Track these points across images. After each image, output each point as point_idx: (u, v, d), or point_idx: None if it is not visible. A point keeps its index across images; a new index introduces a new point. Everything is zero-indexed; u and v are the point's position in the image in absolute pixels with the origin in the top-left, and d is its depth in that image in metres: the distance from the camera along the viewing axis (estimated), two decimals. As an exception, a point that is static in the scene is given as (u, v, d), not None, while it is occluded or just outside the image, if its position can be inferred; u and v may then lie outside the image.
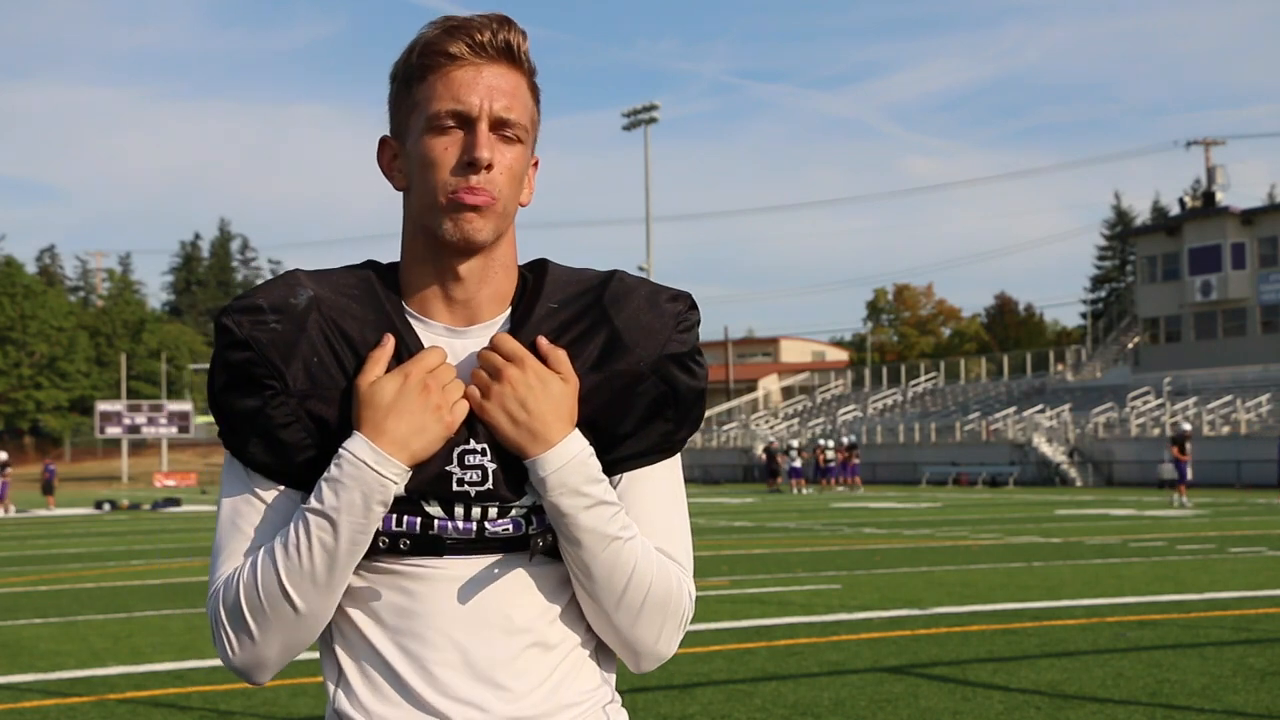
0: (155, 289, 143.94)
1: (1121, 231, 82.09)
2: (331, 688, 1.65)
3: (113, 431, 76.61)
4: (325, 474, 1.57)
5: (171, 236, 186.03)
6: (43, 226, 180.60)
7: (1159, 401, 51.65)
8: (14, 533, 28.03)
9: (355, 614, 1.62)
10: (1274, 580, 13.25)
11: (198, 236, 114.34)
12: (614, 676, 1.73)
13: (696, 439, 67.09)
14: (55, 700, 7.72)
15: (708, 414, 74.01)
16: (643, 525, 1.66)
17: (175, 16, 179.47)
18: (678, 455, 1.73)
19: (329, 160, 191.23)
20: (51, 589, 14.58)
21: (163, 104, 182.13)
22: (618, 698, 1.73)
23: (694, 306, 1.70)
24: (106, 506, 41.70)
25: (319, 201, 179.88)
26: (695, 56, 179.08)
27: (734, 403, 76.27)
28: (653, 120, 59.01)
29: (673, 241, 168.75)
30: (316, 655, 1.70)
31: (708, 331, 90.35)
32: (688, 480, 62.36)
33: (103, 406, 76.81)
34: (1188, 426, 34.44)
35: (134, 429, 76.28)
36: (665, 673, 8.04)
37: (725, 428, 68.87)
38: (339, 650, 1.64)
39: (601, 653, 1.71)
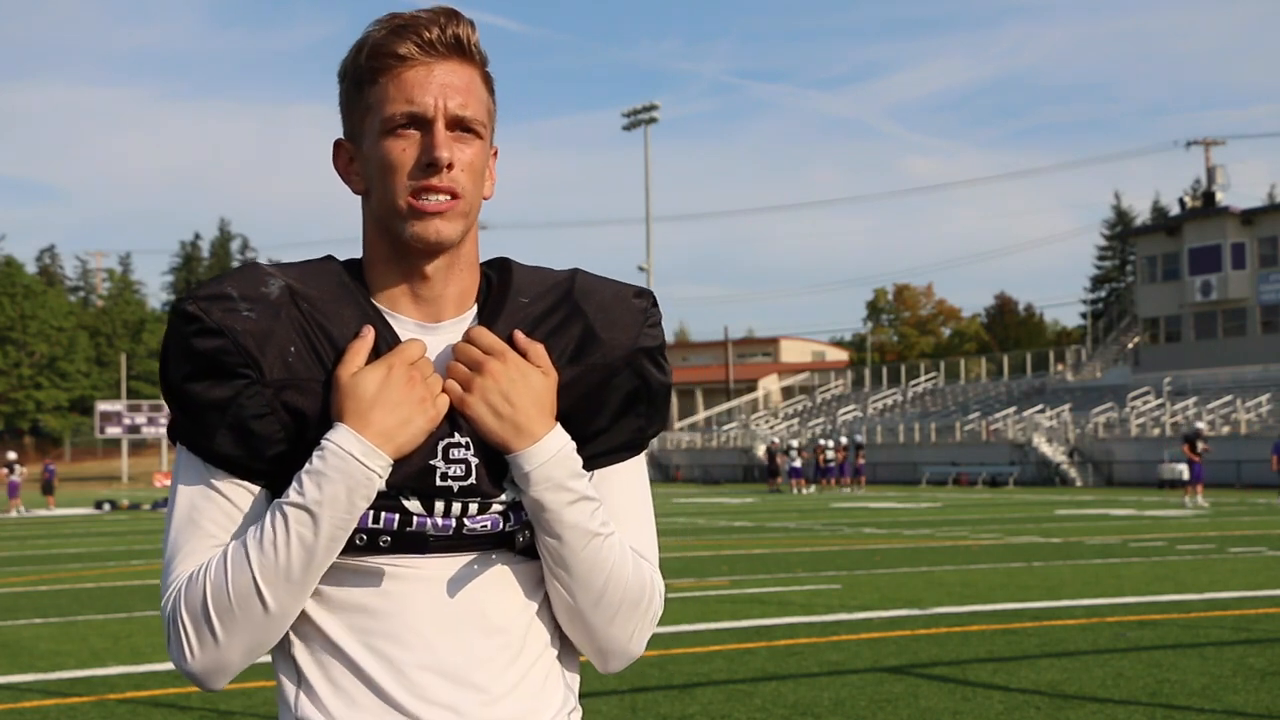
0: (155, 289, 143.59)
1: (1121, 231, 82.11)
2: (291, 691, 1.59)
3: (113, 431, 76.63)
4: (307, 466, 1.52)
5: (171, 236, 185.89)
6: (43, 226, 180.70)
7: (1159, 401, 51.65)
8: (14, 533, 28.03)
9: (319, 614, 1.58)
10: (1274, 580, 13.25)
11: (198, 236, 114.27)
12: (578, 681, 1.72)
13: (696, 439, 67.10)
14: (55, 700, 7.72)
15: (708, 414, 74.26)
16: (614, 522, 1.64)
17: (176, 17, 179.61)
18: (644, 453, 1.72)
19: (329, 160, 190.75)
20: (51, 589, 14.57)
21: (163, 104, 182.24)
22: (579, 706, 1.72)
23: (656, 304, 1.71)
24: (106, 506, 41.71)
25: (319, 201, 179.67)
26: (696, 56, 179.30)
27: (734, 403, 76.25)
28: (653, 120, 59.01)
29: (673, 241, 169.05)
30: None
31: (708, 331, 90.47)
32: (688, 480, 62.35)
33: (103, 406, 76.83)
34: (1200, 425, 34.18)
35: (134, 429, 76.29)
36: (665, 673, 8.05)
37: (725, 428, 68.87)
38: (299, 653, 1.59)
39: (566, 656, 1.69)
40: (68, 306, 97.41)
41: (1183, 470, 42.16)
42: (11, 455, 41.02)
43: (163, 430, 76.30)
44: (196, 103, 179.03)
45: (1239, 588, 12.61)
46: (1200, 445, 31.79)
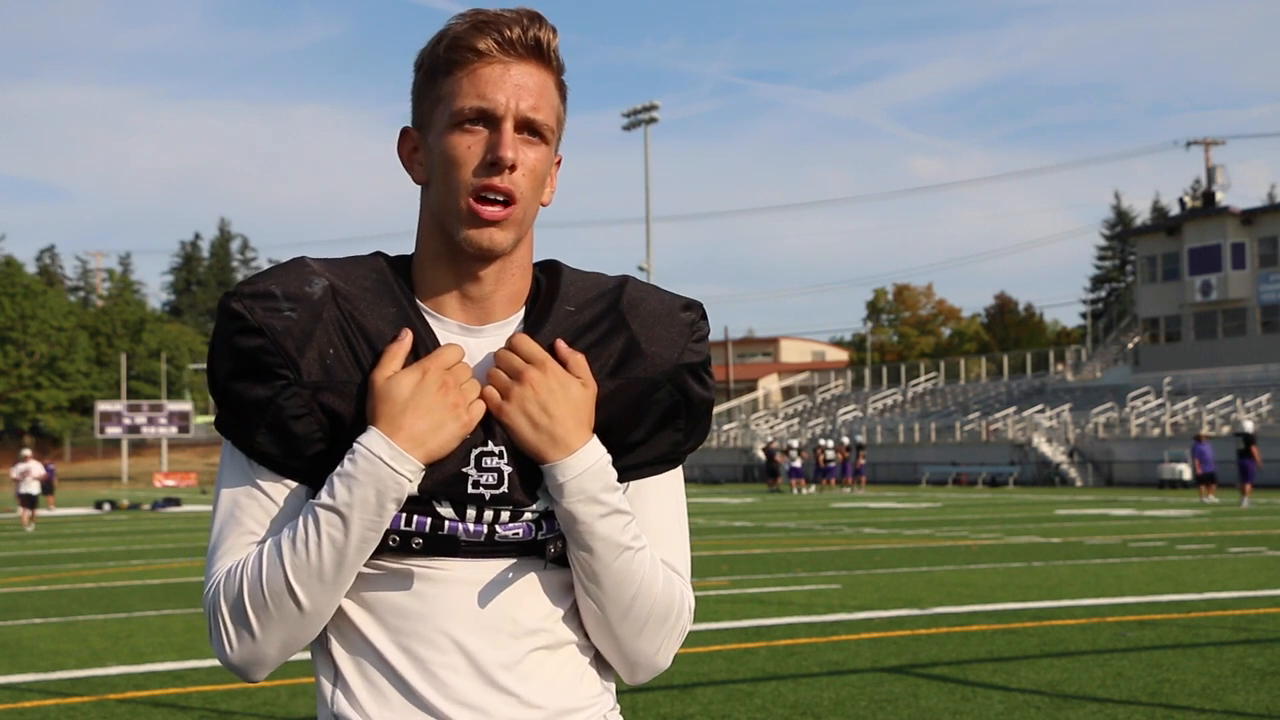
0: (155, 289, 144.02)
1: (1121, 231, 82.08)
2: (328, 688, 1.61)
3: (113, 431, 76.63)
4: (338, 469, 1.53)
5: (171, 236, 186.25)
6: (43, 226, 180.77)
7: (1159, 401, 51.66)
8: (14, 533, 28.03)
9: (355, 613, 1.59)
10: (1274, 580, 13.25)
11: (198, 236, 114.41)
12: (614, 684, 1.72)
13: (696, 439, 66.95)
14: (55, 700, 7.72)
15: (708, 414, 74.17)
16: (646, 534, 1.64)
17: (177, 17, 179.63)
18: (680, 467, 1.71)
19: (330, 161, 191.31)
20: (51, 589, 14.57)
21: (163, 104, 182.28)
22: (617, 705, 1.72)
23: (704, 316, 1.69)
24: (106, 506, 41.74)
25: (319, 202, 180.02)
26: (700, 57, 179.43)
27: (734, 403, 76.25)
28: (653, 120, 59.09)
29: (673, 241, 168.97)
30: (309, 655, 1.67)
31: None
32: (687, 480, 62.31)
33: (103, 406, 76.84)
34: (1250, 427, 33.97)
35: (134, 429, 76.30)
36: (665, 673, 8.03)
37: (725, 428, 68.85)
38: (336, 650, 1.60)
39: (601, 659, 1.69)
40: (68, 306, 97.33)
41: (1182, 470, 42.32)
42: (26, 452, 41.11)
43: (162, 430, 76.35)
44: (197, 103, 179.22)
45: (1239, 588, 12.60)
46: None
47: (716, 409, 74.85)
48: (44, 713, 7.40)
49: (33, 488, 30.51)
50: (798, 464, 46.68)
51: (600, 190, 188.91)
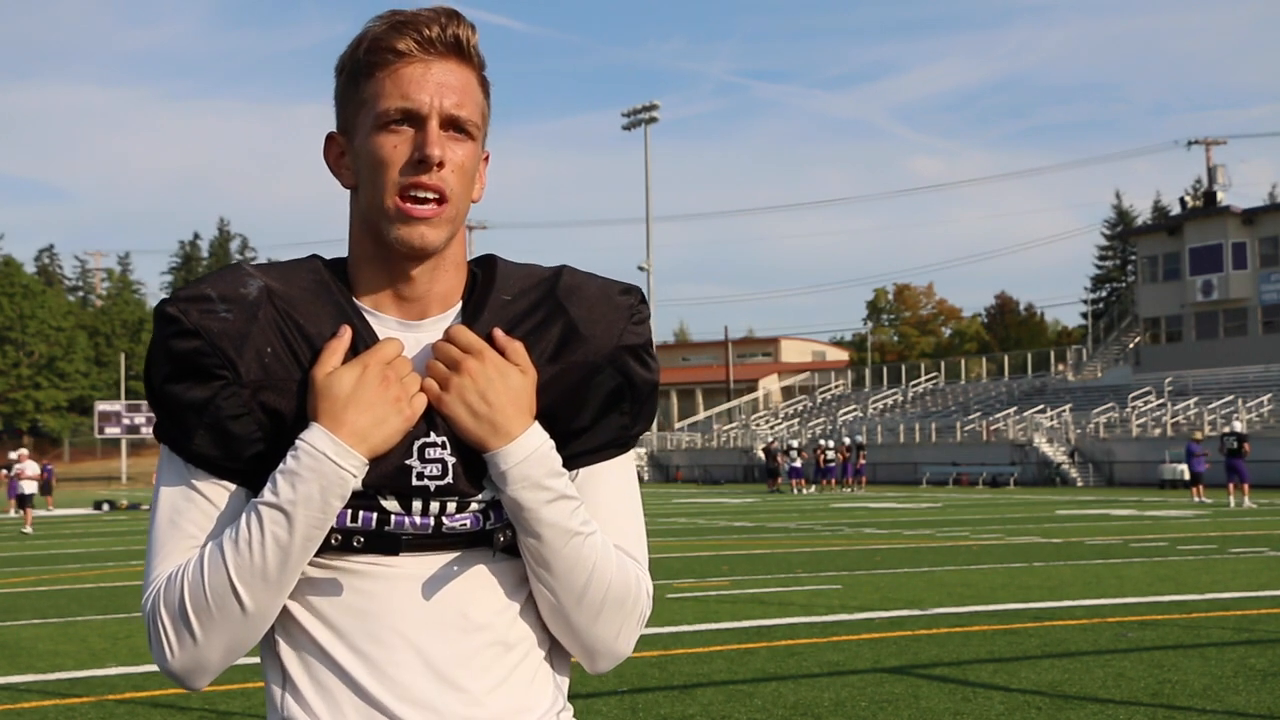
0: (155, 289, 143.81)
1: (1122, 231, 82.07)
2: (278, 692, 1.59)
3: (112, 431, 76.67)
4: (280, 466, 1.52)
5: (171, 236, 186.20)
6: (43, 226, 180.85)
7: (1160, 401, 51.65)
8: (14, 533, 28.03)
9: (302, 614, 1.57)
10: (1275, 581, 13.23)
11: (197, 236, 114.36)
12: (567, 682, 1.70)
13: (696, 439, 67.07)
14: (55, 700, 7.71)
15: (708, 414, 74.23)
16: (599, 522, 1.63)
17: (177, 17, 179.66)
18: (631, 452, 1.71)
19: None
20: (51, 589, 14.57)
21: (163, 104, 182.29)
22: (569, 706, 1.70)
23: (644, 300, 1.69)
24: (106, 506, 41.75)
25: (319, 202, 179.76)
26: (701, 57, 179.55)
27: (734, 403, 76.24)
28: (653, 120, 59.15)
29: (673, 241, 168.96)
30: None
31: (708, 331, 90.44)
32: (688, 480, 62.15)
33: (102, 406, 76.88)
34: (1240, 427, 33.91)
35: (133, 429, 76.30)
36: (665, 673, 8.04)
37: (725, 428, 68.84)
38: (284, 653, 1.59)
39: (556, 657, 1.67)
40: (67, 306, 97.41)
41: (1183, 470, 42.25)
42: (12, 455, 41.08)
43: (163, 430, 76.37)
44: (197, 103, 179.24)
45: (1240, 588, 12.59)
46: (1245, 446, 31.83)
47: (717, 409, 74.90)
48: (43, 713, 7.39)
49: (28, 488, 30.11)
50: (798, 464, 46.65)
51: (600, 190, 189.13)
